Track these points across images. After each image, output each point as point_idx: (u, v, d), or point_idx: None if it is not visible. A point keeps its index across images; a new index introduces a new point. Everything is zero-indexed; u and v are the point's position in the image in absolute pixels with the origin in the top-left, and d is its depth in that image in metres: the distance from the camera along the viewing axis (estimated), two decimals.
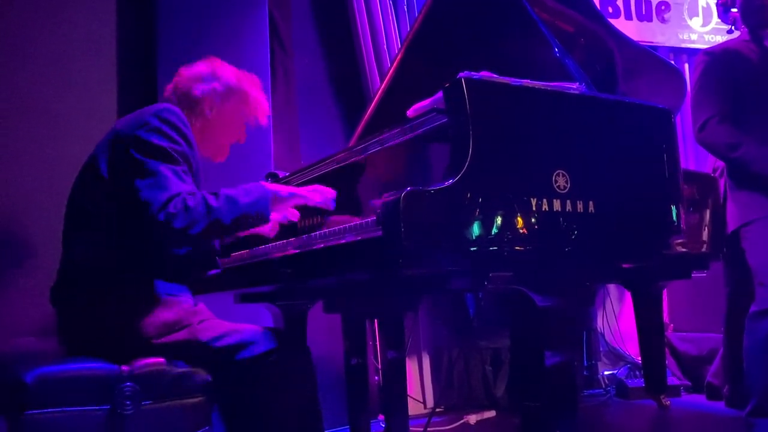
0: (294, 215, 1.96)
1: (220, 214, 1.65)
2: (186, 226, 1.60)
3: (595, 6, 2.56)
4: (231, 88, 1.95)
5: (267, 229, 2.09)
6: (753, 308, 2.52)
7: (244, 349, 1.69)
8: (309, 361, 1.82)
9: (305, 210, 2.10)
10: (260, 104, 2.01)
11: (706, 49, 2.85)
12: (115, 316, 1.66)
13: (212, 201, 1.66)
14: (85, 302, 1.68)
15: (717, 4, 3.08)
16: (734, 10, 2.94)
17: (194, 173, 1.78)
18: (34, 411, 1.44)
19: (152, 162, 1.65)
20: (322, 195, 1.87)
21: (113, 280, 1.69)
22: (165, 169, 1.65)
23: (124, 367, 1.55)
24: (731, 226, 2.68)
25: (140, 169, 1.64)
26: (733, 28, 3.03)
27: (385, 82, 2.49)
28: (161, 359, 1.62)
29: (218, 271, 2.02)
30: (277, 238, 2.11)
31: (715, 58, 2.73)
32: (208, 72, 1.95)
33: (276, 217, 1.95)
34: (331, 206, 1.90)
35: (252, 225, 1.73)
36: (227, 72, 1.97)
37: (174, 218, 1.59)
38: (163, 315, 1.68)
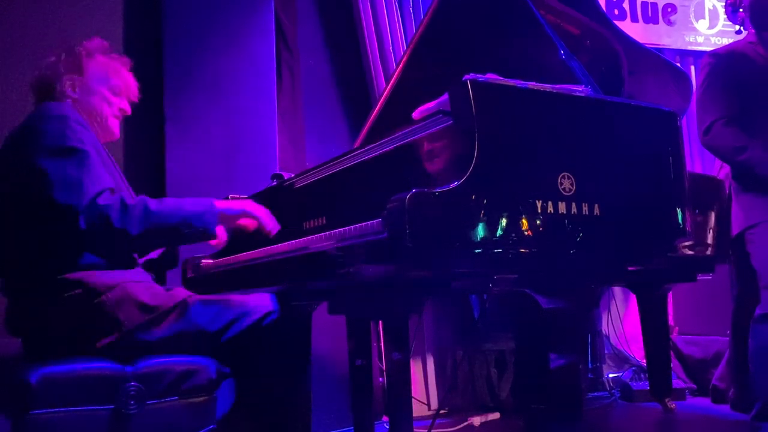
0: (222, 234, 1.89)
1: (161, 217, 1.60)
2: (123, 225, 1.54)
3: (601, 8, 2.56)
4: (79, 60, 1.84)
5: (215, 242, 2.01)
6: (758, 311, 2.51)
7: (237, 323, 1.70)
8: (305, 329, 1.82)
9: (309, 211, 2.10)
10: (124, 73, 1.91)
11: (711, 51, 2.84)
12: (87, 324, 1.61)
13: (153, 203, 1.61)
14: (51, 324, 1.62)
15: (725, 5, 3.06)
16: (743, 10, 2.93)
17: (103, 160, 1.71)
18: (39, 411, 1.45)
19: (57, 162, 1.58)
20: (272, 221, 1.83)
21: (66, 288, 1.62)
22: (72, 168, 1.57)
23: (128, 367, 1.56)
24: (736, 229, 2.67)
25: (47, 175, 1.57)
26: (741, 29, 3.02)
27: (390, 83, 2.49)
28: (164, 358, 1.62)
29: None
30: (282, 239, 2.11)
31: (720, 61, 2.71)
32: (50, 61, 1.85)
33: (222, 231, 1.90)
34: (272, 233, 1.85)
35: (195, 236, 1.68)
36: (74, 49, 1.86)
37: (107, 215, 1.53)
38: (139, 300, 1.65)
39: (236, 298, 1.77)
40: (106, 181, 1.63)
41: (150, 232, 1.60)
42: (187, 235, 1.67)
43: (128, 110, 1.93)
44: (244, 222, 1.83)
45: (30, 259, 1.67)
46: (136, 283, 1.70)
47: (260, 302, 1.74)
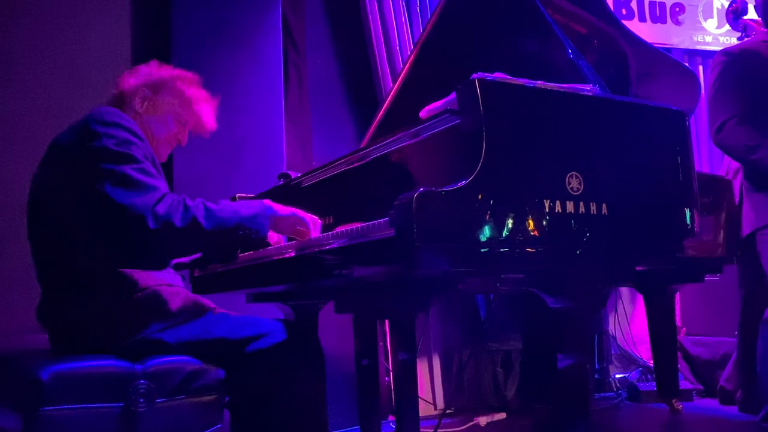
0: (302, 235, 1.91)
1: (220, 219, 1.64)
2: (184, 224, 1.59)
3: (609, 8, 2.56)
4: (161, 80, 1.90)
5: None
6: (767, 313, 2.50)
7: (258, 341, 1.69)
8: (320, 355, 1.82)
9: (316, 210, 2.10)
10: (199, 108, 1.95)
11: (724, 49, 2.83)
12: (115, 322, 1.64)
13: (211, 205, 1.65)
14: (82, 318, 1.65)
15: (727, 12, 3.06)
16: (746, 17, 2.93)
17: (156, 167, 1.75)
18: (49, 408, 1.45)
19: (119, 168, 1.62)
20: (317, 229, 1.85)
21: (101, 284, 1.66)
22: (134, 173, 1.62)
23: (138, 366, 1.56)
24: (746, 229, 2.66)
25: (109, 178, 1.60)
26: (743, 35, 3.01)
27: (397, 82, 2.49)
28: (174, 357, 1.63)
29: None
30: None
31: (733, 59, 2.70)
32: (143, 69, 1.92)
33: (274, 236, 1.94)
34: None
35: (248, 239, 1.71)
36: (162, 70, 1.93)
37: (169, 217, 1.58)
38: (167, 305, 1.68)
39: (257, 317, 1.78)
40: (164, 186, 1.68)
41: (208, 233, 1.64)
42: (241, 238, 1.70)
43: (184, 142, 1.97)
44: (295, 231, 1.84)
45: (74, 253, 1.68)
46: (167, 287, 1.71)
47: (277, 326, 1.75)
